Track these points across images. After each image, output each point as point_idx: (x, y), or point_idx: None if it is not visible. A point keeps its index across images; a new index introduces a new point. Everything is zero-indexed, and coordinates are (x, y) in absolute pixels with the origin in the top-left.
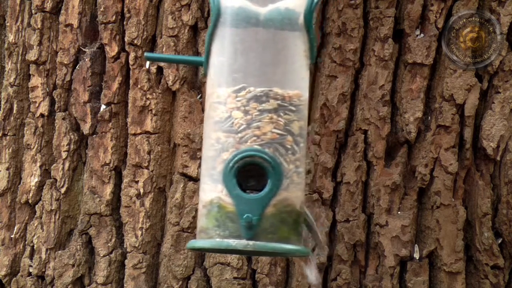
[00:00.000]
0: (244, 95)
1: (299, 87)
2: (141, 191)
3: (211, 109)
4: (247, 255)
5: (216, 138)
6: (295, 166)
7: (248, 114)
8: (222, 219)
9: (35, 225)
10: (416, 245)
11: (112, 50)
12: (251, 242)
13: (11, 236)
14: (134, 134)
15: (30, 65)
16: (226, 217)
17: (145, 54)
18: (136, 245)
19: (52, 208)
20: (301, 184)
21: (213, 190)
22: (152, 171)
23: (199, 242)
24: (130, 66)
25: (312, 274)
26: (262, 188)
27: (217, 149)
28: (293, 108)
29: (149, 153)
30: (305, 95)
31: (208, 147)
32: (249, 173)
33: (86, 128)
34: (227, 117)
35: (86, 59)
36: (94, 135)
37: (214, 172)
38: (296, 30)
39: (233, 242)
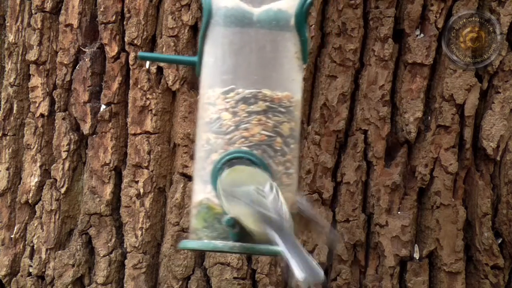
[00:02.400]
0: (232, 96)
1: (289, 88)
2: (141, 191)
3: (203, 109)
4: (237, 253)
5: (206, 139)
6: (285, 168)
7: (237, 116)
8: (210, 220)
9: (35, 225)
10: (416, 245)
11: (112, 50)
12: (237, 244)
13: (11, 236)
14: (134, 134)
15: (30, 65)
16: (214, 218)
17: (139, 53)
18: (136, 245)
19: (52, 208)
20: (292, 186)
21: (202, 191)
22: (152, 171)
23: (189, 243)
24: (130, 66)
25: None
26: None
27: (207, 150)
28: (283, 110)
29: (149, 153)
30: (296, 96)
31: (199, 148)
32: None
33: (86, 128)
34: (217, 118)
35: (86, 59)
36: (94, 135)
37: (204, 173)
38: (287, 31)
39: (220, 244)
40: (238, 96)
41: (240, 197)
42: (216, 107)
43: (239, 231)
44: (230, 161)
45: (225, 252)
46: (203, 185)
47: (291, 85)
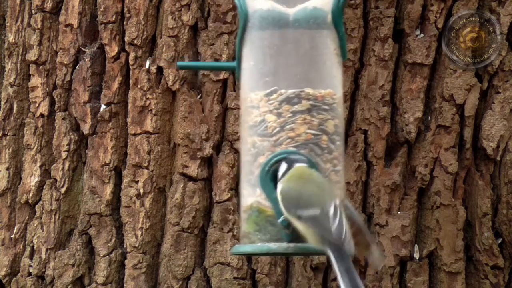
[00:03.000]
0: (275, 98)
1: (331, 85)
2: (141, 191)
3: (246, 113)
4: (290, 255)
5: (252, 143)
6: (333, 165)
7: (281, 117)
8: (262, 223)
9: (35, 225)
10: (416, 245)
11: (112, 50)
12: (291, 245)
13: (11, 236)
14: (134, 134)
15: (30, 65)
16: (266, 221)
17: (178, 63)
18: (136, 245)
19: (52, 208)
20: (340, 183)
21: (252, 194)
22: (152, 171)
23: (242, 247)
24: (130, 66)
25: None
26: None
27: (253, 154)
28: (326, 107)
29: (149, 153)
30: (338, 93)
31: (245, 152)
32: None
33: (86, 128)
34: (261, 121)
35: (86, 59)
36: (94, 135)
37: (252, 177)
38: (324, 28)
39: (274, 246)
40: (281, 97)
41: (306, 221)
42: (260, 109)
43: (292, 232)
44: (280, 161)
45: (279, 254)
46: (252, 189)
47: (333, 82)
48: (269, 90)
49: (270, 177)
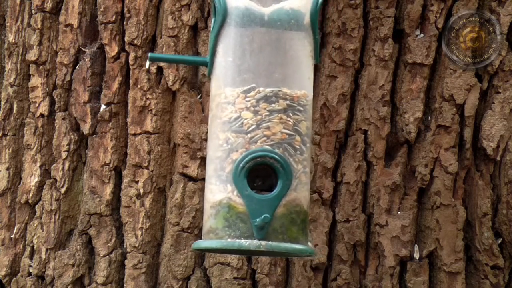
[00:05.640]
0: (253, 95)
1: (305, 87)
2: (141, 191)
3: (219, 109)
4: (255, 256)
5: (224, 139)
6: (303, 166)
7: (258, 115)
8: (233, 220)
9: (35, 225)
10: (416, 245)
11: (112, 50)
12: (263, 243)
13: (11, 236)
14: (134, 134)
15: (30, 65)
16: (236, 218)
17: (149, 54)
18: (136, 245)
19: (52, 208)
20: (308, 184)
21: (222, 190)
22: (152, 171)
23: (207, 243)
24: (130, 66)
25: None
26: (269, 188)
27: (226, 150)
28: (301, 108)
29: (149, 153)
30: (311, 95)
31: (216, 147)
32: (256, 173)
33: (86, 128)
34: (236, 117)
35: (86, 59)
36: (94, 135)
37: (222, 173)
38: (301, 30)
39: (245, 242)
40: (259, 95)
41: None
42: (236, 106)
43: (267, 230)
44: (254, 160)
45: (249, 252)
46: (222, 185)
47: (307, 84)
48: (247, 87)
49: (244, 174)
